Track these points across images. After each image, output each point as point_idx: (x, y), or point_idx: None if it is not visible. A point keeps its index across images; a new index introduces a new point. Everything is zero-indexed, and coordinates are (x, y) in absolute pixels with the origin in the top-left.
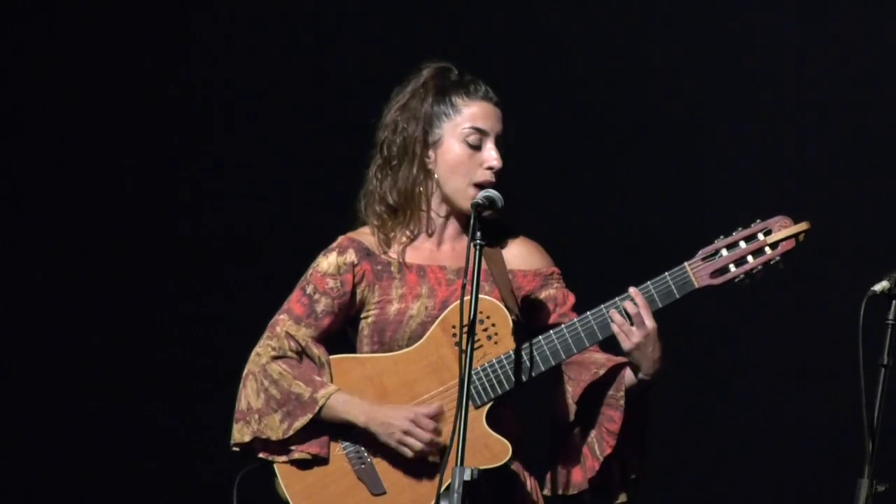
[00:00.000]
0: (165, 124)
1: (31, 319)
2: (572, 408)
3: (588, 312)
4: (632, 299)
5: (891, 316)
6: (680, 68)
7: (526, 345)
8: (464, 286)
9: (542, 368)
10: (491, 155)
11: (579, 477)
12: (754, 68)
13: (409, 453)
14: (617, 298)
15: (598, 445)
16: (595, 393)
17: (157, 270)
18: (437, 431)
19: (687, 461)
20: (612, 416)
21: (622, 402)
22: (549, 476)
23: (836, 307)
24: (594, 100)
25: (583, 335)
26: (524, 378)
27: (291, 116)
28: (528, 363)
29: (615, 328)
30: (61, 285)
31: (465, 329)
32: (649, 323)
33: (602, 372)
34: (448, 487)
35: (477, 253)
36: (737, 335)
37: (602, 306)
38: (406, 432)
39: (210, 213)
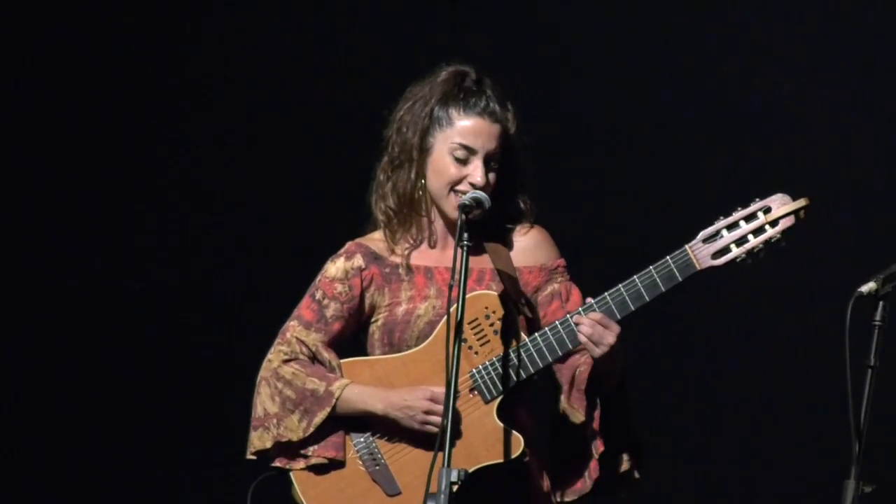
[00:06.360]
0: (160, 126)
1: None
2: (565, 412)
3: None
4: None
5: (877, 317)
6: (677, 62)
7: (532, 337)
8: (450, 287)
9: (550, 360)
10: (475, 173)
11: (580, 484)
12: (748, 63)
13: (435, 430)
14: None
15: (593, 445)
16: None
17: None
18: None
19: (673, 462)
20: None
21: (596, 400)
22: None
23: (823, 308)
24: (589, 92)
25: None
26: (531, 370)
27: (295, 115)
28: (535, 356)
29: (583, 339)
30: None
31: (453, 333)
32: (609, 339)
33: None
34: (449, 484)
35: (464, 254)
36: (724, 336)
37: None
38: (427, 412)
39: (209, 218)
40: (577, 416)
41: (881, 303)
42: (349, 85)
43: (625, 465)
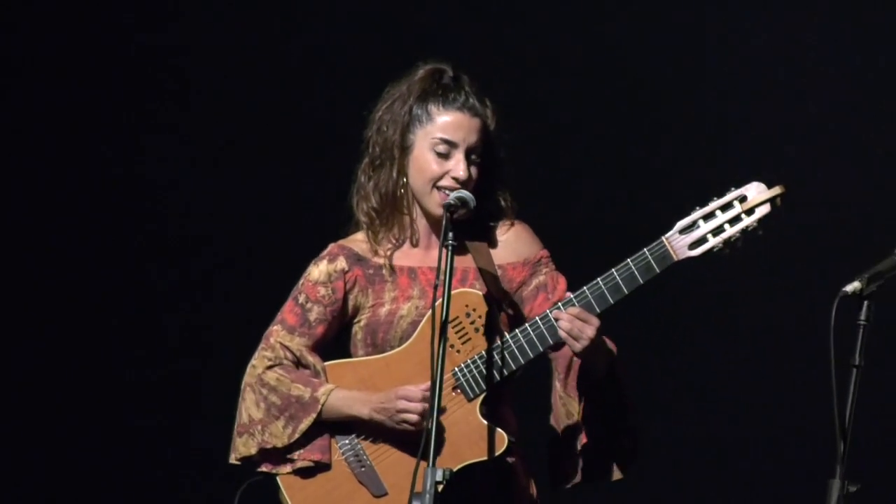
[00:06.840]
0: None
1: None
2: (559, 402)
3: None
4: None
5: (862, 316)
6: (675, 62)
7: (513, 333)
8: (435, 287)
9: (531, 356)
10: (458, 167)
11: (573, 474)
12: (747, 63)
13: (412, 428)
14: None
15: (579, 437)
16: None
17: (144, 276)
18: (426, 399)
19: (658, 463)
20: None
21: (580, 391)
22: (550, 472)
23: (808, 308)
24: (571, 86)
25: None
26: (513, 366)
27: (282, 119)
28: (516, 352)
29: (563, 335)
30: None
31: (437, 332)
32: (589, 332)
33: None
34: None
35: (449, 254)
36: (709, 336)
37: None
38: (399, 410)
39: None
40: (573, 405)
41: (866, 302)
42: (349, 85)
43: (617, 455)
